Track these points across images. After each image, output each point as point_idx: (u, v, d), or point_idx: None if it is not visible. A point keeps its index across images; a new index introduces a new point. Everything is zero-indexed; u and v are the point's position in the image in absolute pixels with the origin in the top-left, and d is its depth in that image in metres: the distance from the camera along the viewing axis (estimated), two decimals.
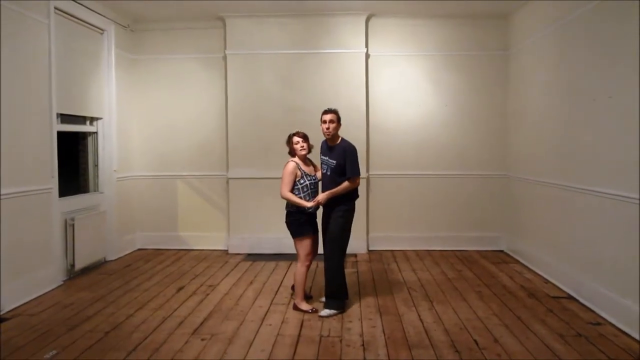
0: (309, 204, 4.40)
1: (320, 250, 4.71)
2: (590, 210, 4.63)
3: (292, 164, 4.49)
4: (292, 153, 4.60)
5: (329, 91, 6.79)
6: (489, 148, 7.00)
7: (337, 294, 4.55)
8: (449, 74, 6.97)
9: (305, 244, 4.52)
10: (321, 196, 4.46)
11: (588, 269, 4.69)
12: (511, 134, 6.79)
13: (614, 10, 4.29)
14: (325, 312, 4.45)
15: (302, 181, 4.49)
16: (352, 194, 4.59)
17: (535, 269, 5.85)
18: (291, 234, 4.58)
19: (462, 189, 7.03)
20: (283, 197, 4.50)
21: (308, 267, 4.58)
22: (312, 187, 4.55)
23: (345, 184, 4.45)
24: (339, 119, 4.54)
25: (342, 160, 4.45)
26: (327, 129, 4.48)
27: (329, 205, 4.52)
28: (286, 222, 4.60)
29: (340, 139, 4.58)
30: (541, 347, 3.72)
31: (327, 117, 4.48)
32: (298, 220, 4.51)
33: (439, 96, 6.98)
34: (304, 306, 4.56)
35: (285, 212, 4.60)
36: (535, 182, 5.91)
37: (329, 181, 4.53)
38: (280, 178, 4.51)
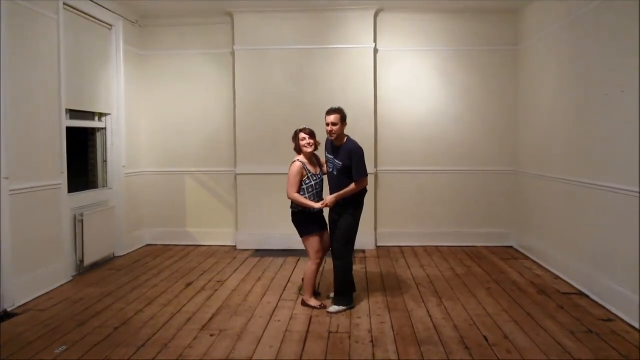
0: (316, 206, 4.37)
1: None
2: (601, 205, 4.58)
3: (299, 164, 4.43)
4: (298, 150, 4.54)
5: (338, 87, 6.77)
6: (498, 143, 6.95)
7: (346, 291, 4.53)
8: (458, 70, 6.92)
9: (313, 242, 4.50)
10: (329, 198, 4.42)
11: (599, 265, 4.64)
12: (521, 130, 6.73)
13: (625, 5, 4.22)
14: (334, 308, 4.44)
15: (307, 181, 4.44)
16: (361, 192, 4.54)
17: (545, 265, 5.81)
18: (299, 233, 4.57)
19: (471, 184, 6.99)
20: (290, 199, 4.46)
21: (319, 264, 4.55)
22: (317, 187, 4.50)
23: (352, 186, 4.37)
24: (343, 119, 4.39)
25: (348, 161, 4.35)
26: (331, 131, 4.37)
27: (337, 204, 4.47)
28: (292, 221, 4.59)
29: (346, 138, 4.47)
30: (552, 344, 3.69)
31: (331, 118, 4.35)
32: (304, 220, 4.50)
33: (448, 91, 6.94)
34: (313, 302, 4.55)
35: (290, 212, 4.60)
36: (545, 177, 5.86)
37: (335, 181, 4.49)
38: (287, 177, 4.47)
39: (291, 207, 4.57)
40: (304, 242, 4.56)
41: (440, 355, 3.54)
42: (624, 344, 3.69)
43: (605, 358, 3.46)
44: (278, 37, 6.85)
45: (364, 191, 4.59)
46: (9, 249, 4.51)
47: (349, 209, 4.47)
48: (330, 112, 4.39)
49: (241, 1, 6.49)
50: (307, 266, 4.59)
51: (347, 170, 4.38)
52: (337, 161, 4.44)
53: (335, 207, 4.52)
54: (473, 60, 6.91)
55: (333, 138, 4.44)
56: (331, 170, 4.53)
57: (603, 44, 4.59)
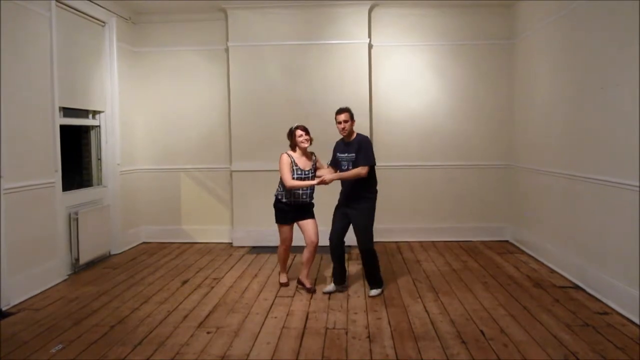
0: (314, 182, 4.64)
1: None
2: (597, 199, 4.59)
3: (286, 156, 4.71)
4: (294, 147, 4.76)
5: (332, 82, 6.75)
6: (494, 138, 6.95)
7: (379, 275, 4.86)
8: (453, 64, 6.92)
9: (283, 230, 4.90)
10: (328, 176, 4.64)
11: (594, 259, 4.66)
12: (516, 124, 6.74)
13: None
14: (375, 291, 4.77)
15: (293, 175, 4.66)
16: (372, 189, 4.76)
17: (541, 258, 5.82)
18: (275, 218, 4.88)
19: (466, 179, 7.00)
20: (290, 187, 4.65)
21: (284, 249, 5.00)
22: None
23: (355, 170, 4.59)
24: (352, 116, 4.72)
25: (358, 151, 4.66)
26: (343, 128, 4.67)
27: (353, 197, 4.70)
28: (273, 205, 4.88)
29: (355, 134, 4.78)
30: (548, 337, 3.70)
31: (342, 117, 4.66)
32: (280, 209, 4.80)
33: (443, 86, 6.94)
34: (282, 278, 5.12)
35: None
36: (540, 171, 5.87)
37: None
38: (279, 172, 4.73)
39: (275, 193, 4.86)
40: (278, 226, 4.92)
41: (437, 350, 3.54)
42: (620, 336, 3.71)
43: (602, 351, 3.47)
44: (272, 33, 6.82)
45: (374, 190, 4.78)
46: (3, 248, 4.48)
47: (367, 203, 4.70)
48: (340, 111, 4.71)
49: None
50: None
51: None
52: (350, 155, 4.70)
53: (350, 201, 4.73)
54: (467, 55, 6.90)
55: (345, 134, 4.72)
56: (345, 167, 4.72)
57: (598, 37, 4.58)
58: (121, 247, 6.64)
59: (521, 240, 6.54)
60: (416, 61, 6.95)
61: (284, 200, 4.76)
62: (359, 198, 4.68)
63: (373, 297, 4.70)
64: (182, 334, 3.90)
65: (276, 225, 4.94)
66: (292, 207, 4.76)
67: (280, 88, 6.85)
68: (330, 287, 4.88)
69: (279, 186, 4.85)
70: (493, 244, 6.79)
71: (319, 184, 4.62)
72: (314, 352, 3.55)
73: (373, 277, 4.83)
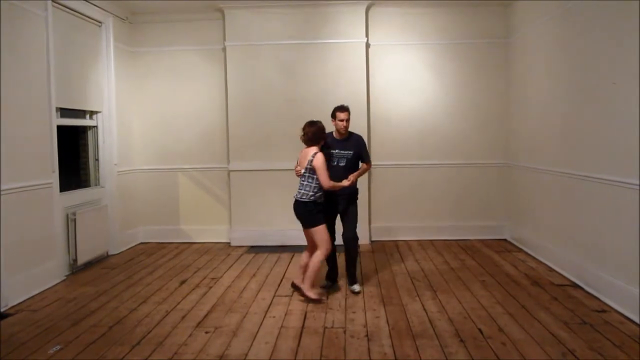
0: (346, 183, 4.64)
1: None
2: (594, 197, 4.60)
3: (322, 155, 4.52)
4: (315, 141, 4.56)
5: (330, 81, 6.75)
6: (491, 136, 6.96)
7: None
8: (450, 63, 6.92)
9: (322, 230, 4.53)
10: (353, 176, 4.72)
11: (592, 257, 4.66)
12: (513, 122, 6.74)
13: None
14: (357, 286, 4.84)
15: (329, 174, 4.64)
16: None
17: (539, 257, 5.83)
18: (307, 224, 4.57)
19: (464, 177, 7.00)
20: (328, 188, 4.51)
21: (327, 255, 4.61)
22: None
23: (365, 167, 4.95)
24: (349, 115, 4.83)
25: (359, 149, 4.86)
26: (345, 126, 4.77)
27: (348, 195, 4.81)
28: (301, 212, 4.57)
29: (349, 132, 4.92)
30: (546, 335, 3.71)
31: (344, 115, 4.74)
32: (316, 210, 4.55)
33: (440, 85, 6.94)
34: (313, 294, 4.52)
35: (297, 202, 4.60)
36: (538, 170, 5.87)
37: (347, 170, 4.78)
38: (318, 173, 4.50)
39: (301, 198, 4.55)
40: (313, 233, 4.54)
41: (435, 349, 3.55)
42: (618, 334, 3.71)
43: (600, 349, 3.48)
44: (269, 32, 6.82)
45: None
46: (1, 249, 4.47)
47: (355, 196, 4.89)
48: (342, 109, 4.78)
49: None
50: (315, 255, 4.54)
51: (358, 157, 4.88)
52: (345, 152, 4.81)
53: (342, 194, 4.79)
54: (464, 54, 6.91)
55: (344, 132, 4.81)
56: (336, 163, 4.79)
57: (594, 36, 4.59)
58: (119, 247, 6.63)
59: (519, 238, 6.54)
60: (413, 60, 6.95)
61: (319, 201, 4.57)
62: (351, 195, 4.86)
63: (358, 293, 4.78)
64: (180, 334, 3.90)
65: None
66: (322, 205, 4.64)
67: (278, 87, 6.85)
68: (327, 283, 5.03)
69: (310, 189, 4.53)
70: (491, 242, 6.80)
71: (348, 184, 4.66)
72: (312, 352, 3.55)
73: (354, 271, 4.93)
